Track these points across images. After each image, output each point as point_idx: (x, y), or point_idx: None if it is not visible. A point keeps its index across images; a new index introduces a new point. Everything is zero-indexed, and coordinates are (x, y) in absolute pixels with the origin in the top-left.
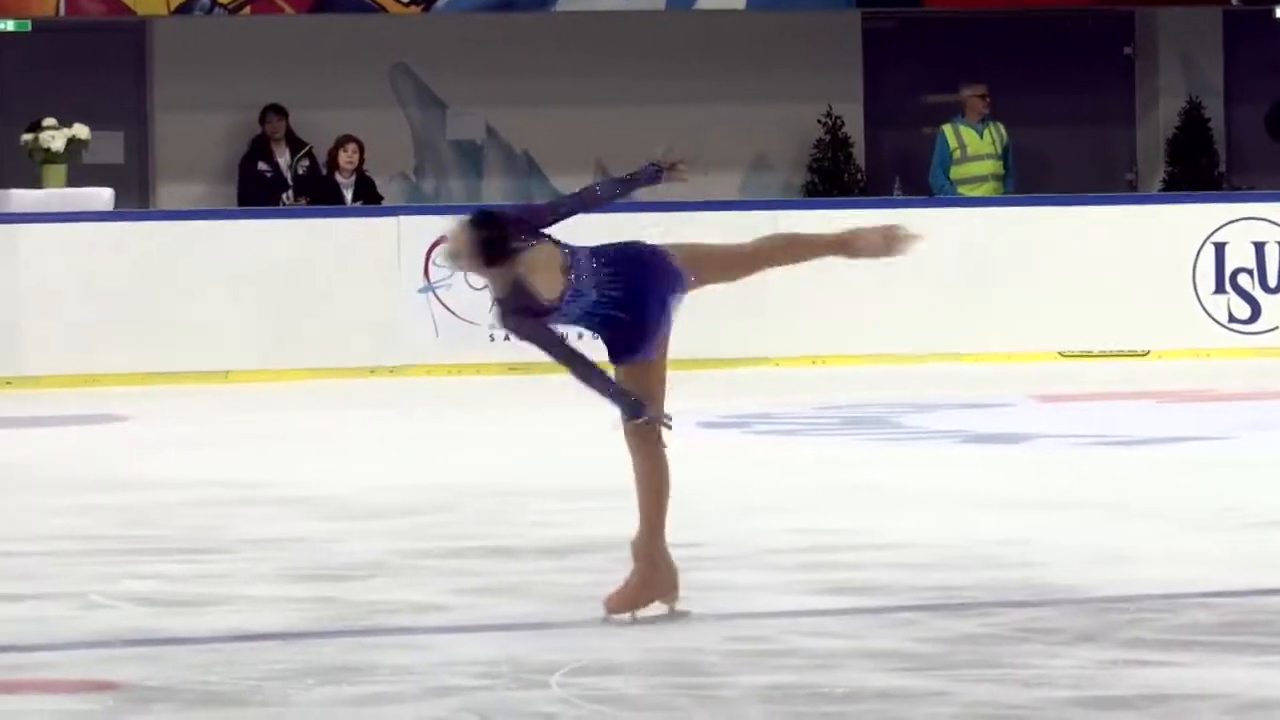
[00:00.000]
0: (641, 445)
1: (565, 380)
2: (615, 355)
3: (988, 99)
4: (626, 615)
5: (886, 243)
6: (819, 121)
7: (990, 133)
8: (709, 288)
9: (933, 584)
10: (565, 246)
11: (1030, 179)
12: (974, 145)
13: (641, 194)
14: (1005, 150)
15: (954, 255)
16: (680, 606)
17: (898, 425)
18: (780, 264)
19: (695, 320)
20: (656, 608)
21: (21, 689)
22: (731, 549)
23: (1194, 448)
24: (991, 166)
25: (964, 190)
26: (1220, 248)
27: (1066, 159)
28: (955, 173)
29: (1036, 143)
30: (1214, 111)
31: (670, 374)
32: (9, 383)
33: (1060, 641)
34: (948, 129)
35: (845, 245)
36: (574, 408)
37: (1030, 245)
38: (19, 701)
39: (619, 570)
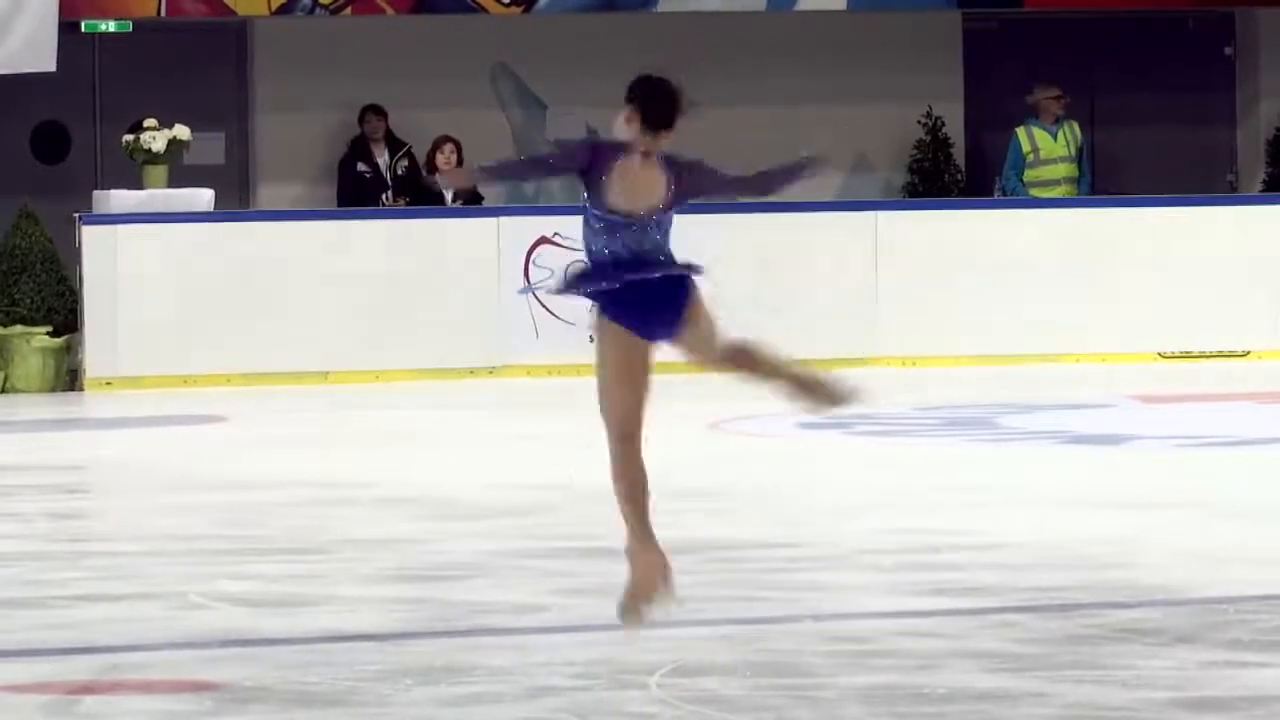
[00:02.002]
0: (610, 441)
1: (665, 381)
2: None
3: (1062, 100)
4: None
5: (833, 396)
6: (919, 122)
7: (1065, 134)
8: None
9: (1032, 585)
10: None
11: (1130, 180)
12: (1047, 148)
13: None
14: (1080, 152)
15: (1054, 257)
16: (773, 608)
17: (998, 426)
18: (743, 370)
19: (797, 321)
20: (663, 604)
21: (120, 689)
22: (831, 549)
23: None
24: (1065, 170)
25: (1037, 193)
26: None
27: (1167, 160)
28: (1029, 175)
29: (1137, 143)
30: None
31: None
32: (109, 383)
33: (1160, 642)
34: (1021, 131)
35: (797, 382)
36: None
37: (1130, 247)
38: (118, 702)
39: (716, 571)
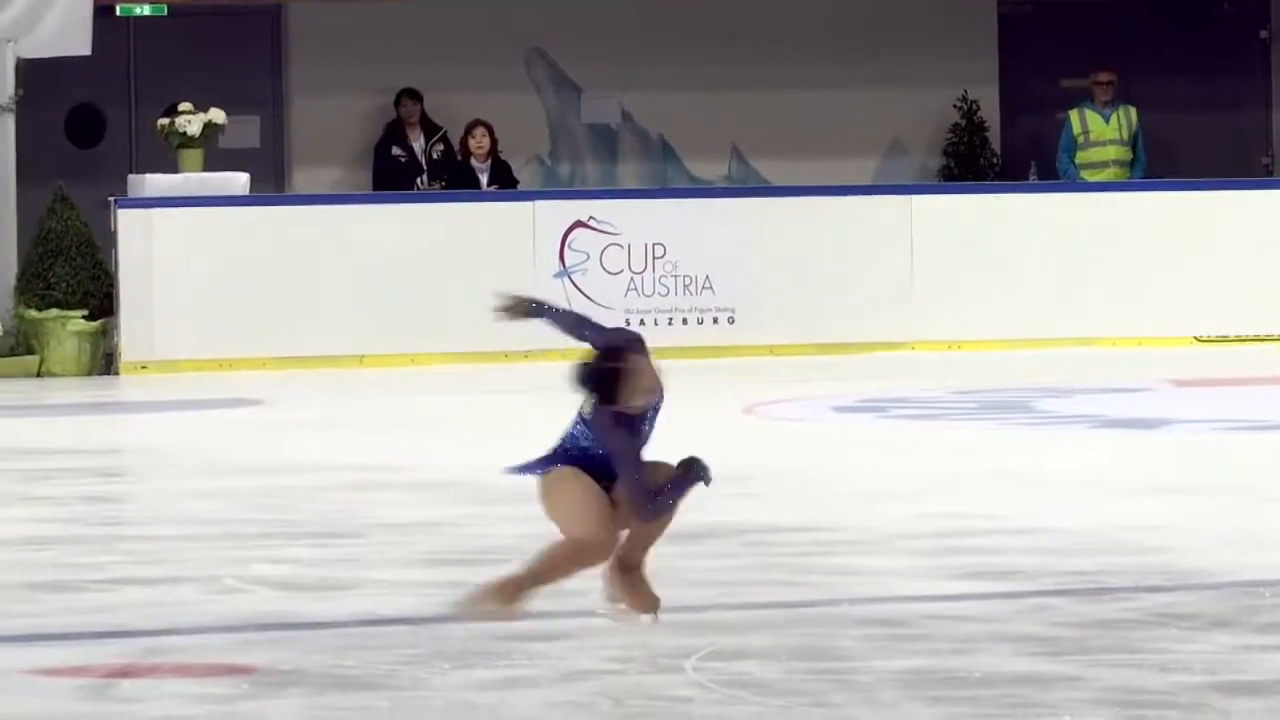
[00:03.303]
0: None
1: (695, 365)
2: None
3: (1115, 83)
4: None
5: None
6: (955, 106)
7: (1118, 118)
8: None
9: (1069, 569)
10: None
11: (1164, 163)
12: (1098, 130)
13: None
14: (1134, 136)
15: (1090, 241)
16: (809, 592)
17: (1034, 410)
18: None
19: (834, 305)
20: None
21: (156, 673)
22: (867, 533)
23: None
24: (1115, 152)
25: (1086, 175)
26: None
27: (1201, 143)
28: (1079, 157)
29: (1171, 127)
30: None
31: (807, 358)
32: (144, 366)
33: (1196, 626)
34: (1074, 113)
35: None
36: (706, 393)
37: (1165, 230)
38: (153, 686)
39: (752, 555)
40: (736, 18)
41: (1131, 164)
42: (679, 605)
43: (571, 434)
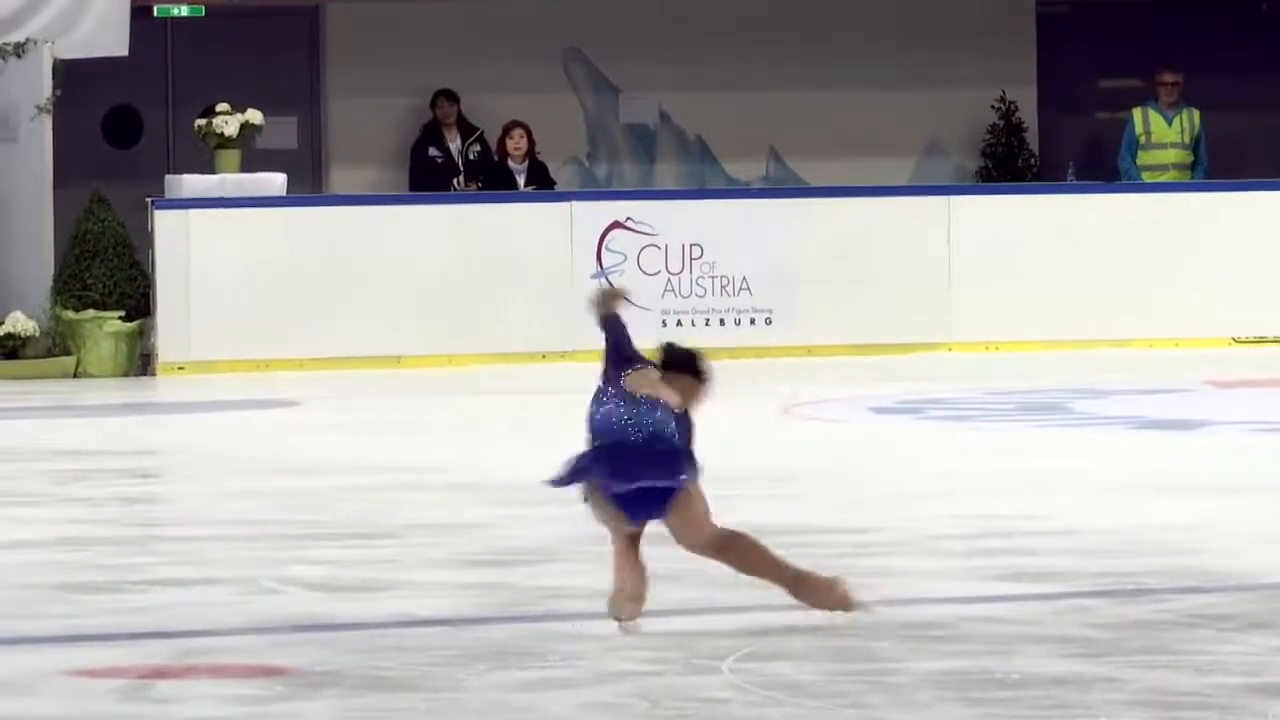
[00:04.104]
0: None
1: (733, 366)
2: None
3: (1178, 85)
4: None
5: (835, 597)
6: (993, 106)
7: (1181, 120)
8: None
9: (1105, 570)
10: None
11: (1214, 163)
12: (1159, 132)
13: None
14: (1196, 140)
15: (1128, 241)
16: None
17: (1071, 411)
18: (732, 564)
19: (872, 306)
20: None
21: (192, 674)
22: (903, 534)
23: None
24: (1175, 155)
25: (1147, 176)
26: None
27: (1248, 144)
28: (1140, 158)
29: (1216, 127)
30: None
31: (844, 359)
32: (181, 367)
33: (1233, 628)
34: (1137, 112)
35: (798, 582)
36: (740, 393)
37: (1205, 231)
38: (190, 687)
39: (788, 556)
40: (774, 18)
41: (1193, 166)
42: (715, 607)
43: (601, 420)
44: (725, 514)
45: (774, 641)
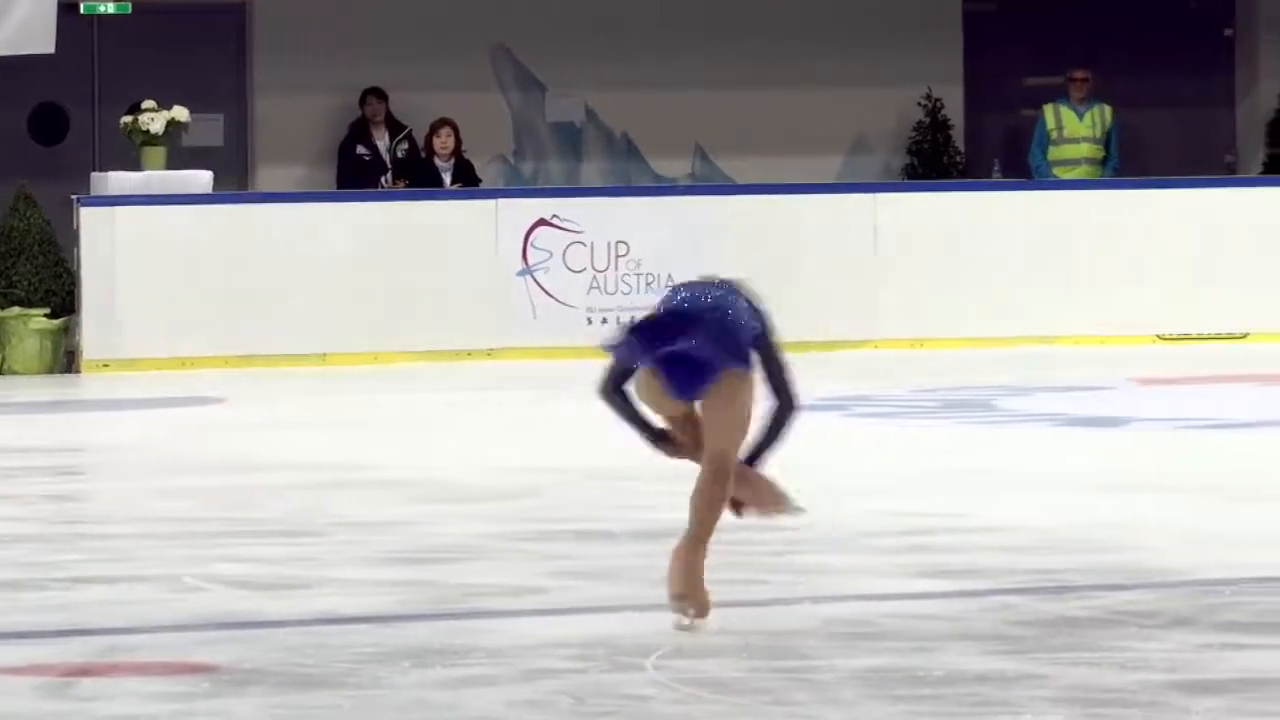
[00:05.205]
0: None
1: None
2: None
3: (1087, 81)
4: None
5: (773, 501)
6: (919, 104)
7: (1092, 116)
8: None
9: (1030, 567)
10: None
11: (1128, 160)
12: (1071, 127)
13: (728, 171)
14: (1108, 134)
15: (1051, 238)
16: (771, 590)
17: (996, 409)
18: (707, 494)
19: (797, 303)
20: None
21: (116, 671)
22: (828, 531)
23: None
24: (1088, 150)
25: (1059, 172)
26: None
27: (1165, 141)
28: (1051, 154)
29: (1135, 124)
30: None
31: None
32: (106, 365)
33: (1157, 625)
34: (1048, 108)
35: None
36: None
37: (1128, 228)
38: (114, 684)
39: (715, 553)
40: (700, 16)
41: (1104, 162)
42: (639, 604)
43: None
44: (657, 511)
45: (698, 639)
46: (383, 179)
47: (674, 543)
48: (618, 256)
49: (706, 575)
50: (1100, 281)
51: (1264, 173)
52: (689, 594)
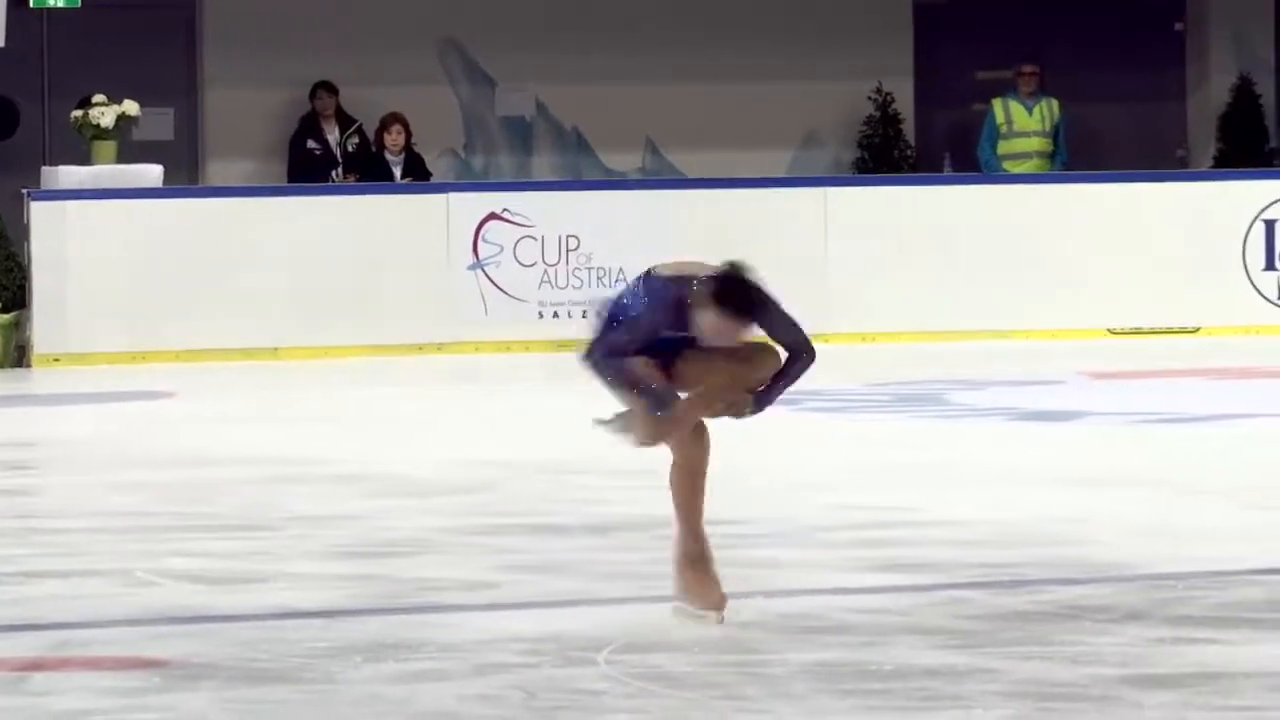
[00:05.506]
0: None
1: None
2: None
3: (1036, 75)
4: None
5: (712, 600)
6: (869, 98)
7: (1041, 110)
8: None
9: (982, 561)
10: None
11: (1080, 155)
12: (1021, 121)
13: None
14: (1056, 128)
15: (1004, 232)
16: (727, 585)
17: (948, 403)
18: (675, 471)
19: None
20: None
21: (68, 666)
22: (781, 526)
23: (1243, 425)
24: (1038, 144)
25: (1008, 166)
26: (1270, 224)
27: (1117, 135)
28: (1001, 148)
29: (1087, 119)
30: (1265, 88)
31: None
32: (57, 359)
33: (1109, 619)
34: (997, 103)
35: (694, 561)
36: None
37: (1080, 222)
38: (66, 679)
39: (664, 548)
40: (650, 10)
41: (1052, 156)
42: (591, 598)
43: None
44: (609, 506)
45: (650, 633)
46: (333, 173)
47: (670, 550)
48: (569, 250)
49: (650, 569)
50: (1051, 276)
51: (1215, 167)
52: (717, 606)
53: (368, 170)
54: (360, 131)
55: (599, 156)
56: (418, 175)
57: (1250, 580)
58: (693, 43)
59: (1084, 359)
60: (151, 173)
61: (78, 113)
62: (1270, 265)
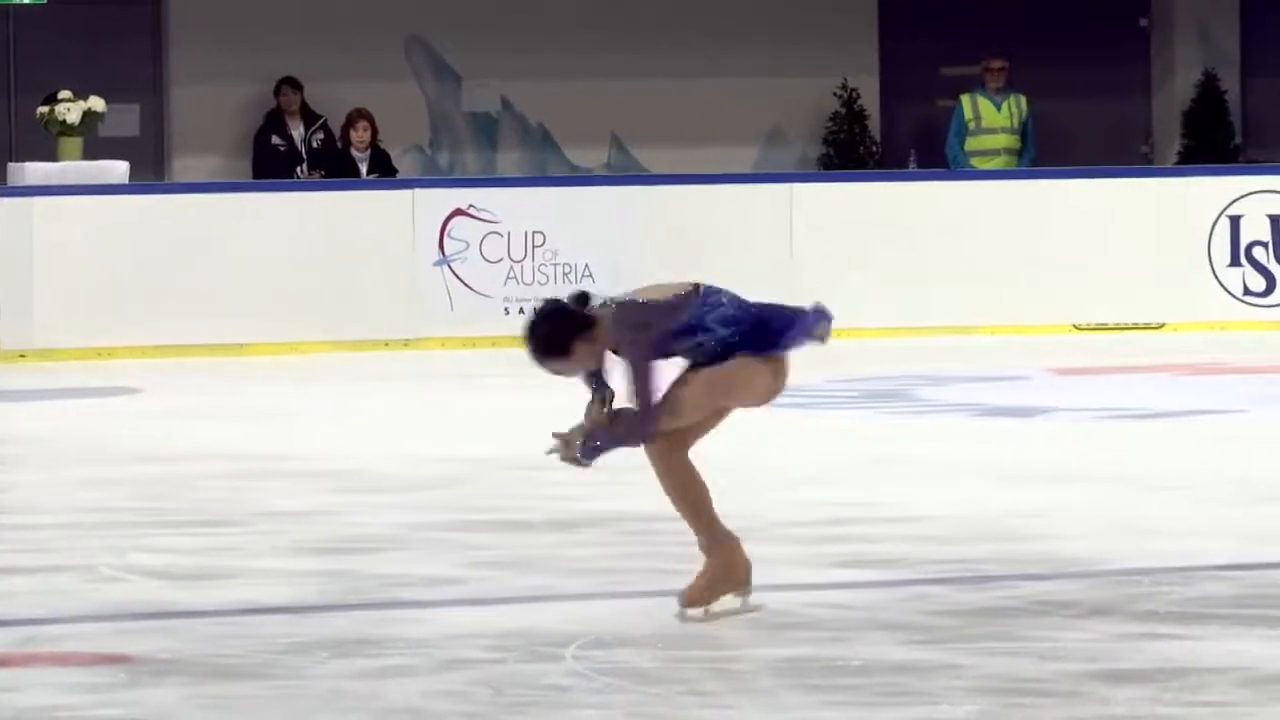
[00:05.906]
0: (652, 458)
1: None
2: None
3: (1005, 71)
4: (700, 610)
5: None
6: (835, 94)
7: (1009, 106)
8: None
9: (948, 557)
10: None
11: (1045, 151)
12: (989, 117)
13: (644, 162)
14: (1024, 124)
15: (968, 229)
16: (688, 581)
17: (913, 398)
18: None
19: None
20: (728, 601)
21: (35, 662)
22: (746, 521)
23: (1209, 421)
24: (1005, 140)
25: (976, 162)
26: (1235, 221)
27: (1082, 131)
28: (969, 144)
29: (1051, 114)
30: (1230, 84)
31: None
32: (23, 355)
33: (1075, 614)
34: (965, 99)
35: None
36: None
37: (1045, 218)
38: (32, 675)
39: (633, 543)
40: (616, 6)
41: (1020, 153)
42: (557, 594)
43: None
44: (575, 502)
45: (616, 628)
46: (298, 169)
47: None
48: (534, 246)
49: (616, 564)
50: (1016, 272)
51: (1180, 163)
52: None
53: (333, 166)
54: (325, 127)
55: (565, 153)
56: (383, 171)
57: (1216, 575)
58: (658, 39)
59: (1049, 355)
60: (117, 169)
61: (44, 109)
62: (1235, 261)
